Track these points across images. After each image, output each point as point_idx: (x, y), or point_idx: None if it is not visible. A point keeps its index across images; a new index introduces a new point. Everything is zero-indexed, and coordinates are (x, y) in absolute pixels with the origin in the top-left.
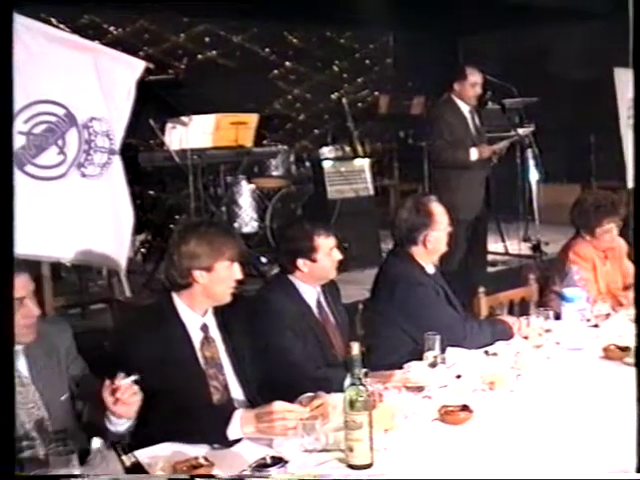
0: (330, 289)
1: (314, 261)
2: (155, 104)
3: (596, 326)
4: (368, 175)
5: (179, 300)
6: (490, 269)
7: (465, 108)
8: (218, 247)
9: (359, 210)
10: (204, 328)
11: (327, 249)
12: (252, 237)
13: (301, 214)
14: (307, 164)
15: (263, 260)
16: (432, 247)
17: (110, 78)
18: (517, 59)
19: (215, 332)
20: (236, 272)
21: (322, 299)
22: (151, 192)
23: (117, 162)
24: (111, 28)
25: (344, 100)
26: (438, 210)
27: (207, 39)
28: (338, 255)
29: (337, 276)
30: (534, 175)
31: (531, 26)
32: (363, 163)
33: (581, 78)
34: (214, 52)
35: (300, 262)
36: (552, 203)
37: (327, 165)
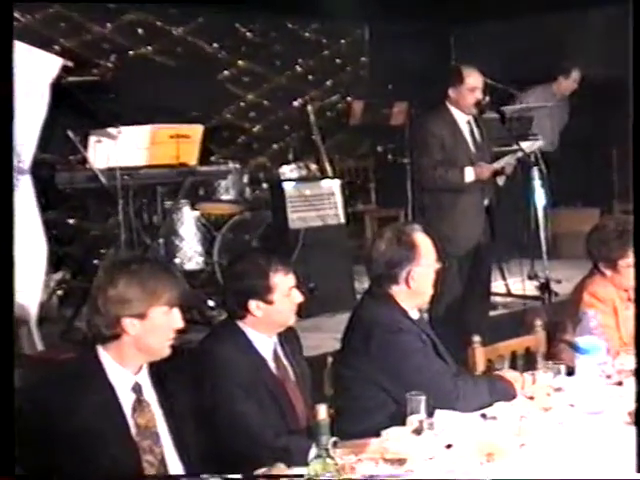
0: (289, 338)
1: (270, 303)
2: (75, 112)
3: (619, 384)
4: (339, 199)
5: (105, 355)
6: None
7: (462, 118)
8: (153, 289)
9: (327, 242)
10: (137, 389)
11: (285, 289)
12: (196, 275)
13: (257, 247)
14: (264, 186)
15: (210, 304)
16: (417, 287)
17: (16, 78)
18: (520, 56)
19: (150, 394)
20: (176, 319)
21: (279, 351)
22: (70, 220)
23: (26, 183)
24: (16, 14)
25: (309, 107)
26: (424, 242)
27: (140, 31)
28: (298, 297)
29: (299, 323)
30: (541, 198)
31: (537, 15)
32: (332, 184)
33: (599, 78)
34: (149, 47)
35: (253, 305)
36: (564, 232)
37: (289, 187)
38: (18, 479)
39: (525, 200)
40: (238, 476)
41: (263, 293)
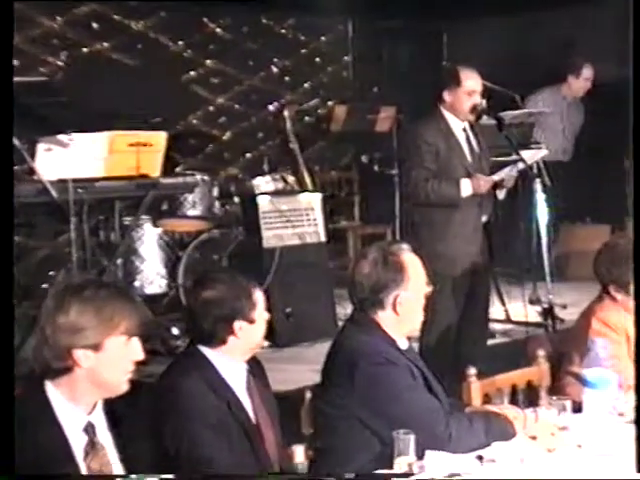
0: (254, 367)
1: (252, 322)
2: (20, 116)
3: (637, 423)
4: (319, 215)
5: (54, 391)
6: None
7: (458, 125)
8: (110, 316)
9: (306, 262)
10: (89, 430)
11: (263, 305)
12: (159, 300)
13: (227, 267)
14: (236, 200)
15: (174, 332)
16: (405, 313)
17: None
18: (523, 55)
19: (105, 435)
20: (135, 350)
21: (252, 380)
22: (16, 238)
23: None
24: None
25: (286, 112)
26: (413, 263)
27: (95, 25)
28: (266, 314)
29: (274, 353)
30: (544, 214)
31: (541, 9)
32: (312, 199)
33: (609, 80)
34: (105, 44)
35: (237, 326)
36: (570, 251)
37: (263, 202)
38: (18, 479)
39: (527, 216)
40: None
41: (247, 312)
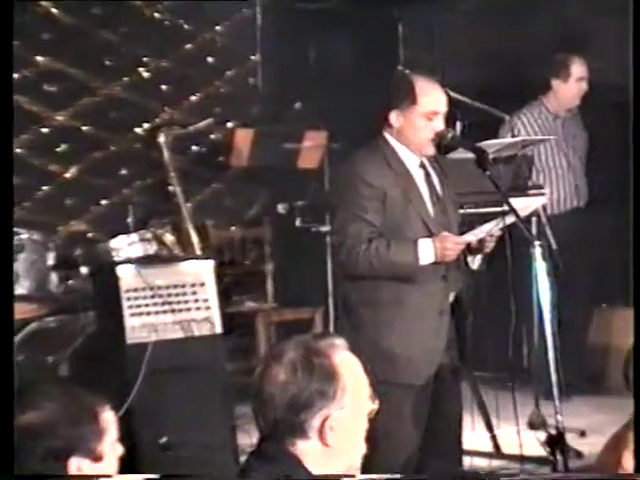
0: None
1: (97, 459)
2: None
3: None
4: (212, 293)
5: None
6: None
7: (412, 160)
8: None
9: (192, 365)
10: None
11: (115, 434)
12: None
13: (69, 375)
14: (83, 271)
15: None
16: (338, 442)
17: None
18: (507, 59)
19: None
20: None
21: None
22: None
23: None
24: None
25: (162, 138)
26: (350, 367)
27: None
28: (120, 448)
29: None
30: (546, 291)
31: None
32: (202, 269)
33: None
34: None
35: (73, 465)
36: (591, 347)
37: (126, 274)
38: (17, 479)
39: (521, 294)
40: None
41: (90, 445)
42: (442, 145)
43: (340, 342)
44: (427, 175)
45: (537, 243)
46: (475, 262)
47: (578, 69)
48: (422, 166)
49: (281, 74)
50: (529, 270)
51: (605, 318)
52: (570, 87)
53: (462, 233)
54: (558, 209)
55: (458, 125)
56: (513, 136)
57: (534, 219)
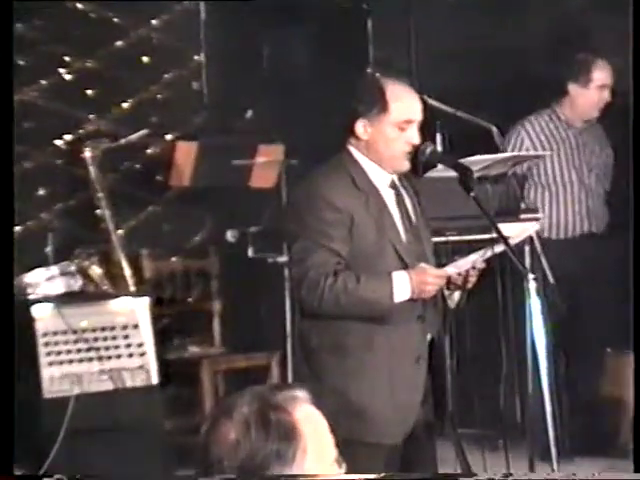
0: None
1: None
2: None
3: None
4: (148, 336)
5: None
6: None
7: (382, 178)
8: None
9: (123, 424)
10: None
11: None
12: None
13: None
14: None
15: None
16: None
17: None
18: (501, 60)
19: None
20: None
21: None
22: None
23: None
24: None
25: (88, 153)
26: (313, 424)
27: None
28: None
29: None
30: (541, 331)
31: None
32: (136, 307)
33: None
34: None
35: None
36: (592, 397)
37: (43, 313)
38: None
39: (512, 335)
40: None
41: None
42: (420, 162)
43: (302, 394)
44: (398, 196)
45: (531, 276)
46: (452, 300)
47: (601, 74)
48: (393, 186)
49: (230, 77)
50: (523, 306)
51: (615, 365)
52: (590, 94)
53: (441, 265)
54: (565, 234)
55: (438, 138)
56: (514, 147)
57: (527, 248)
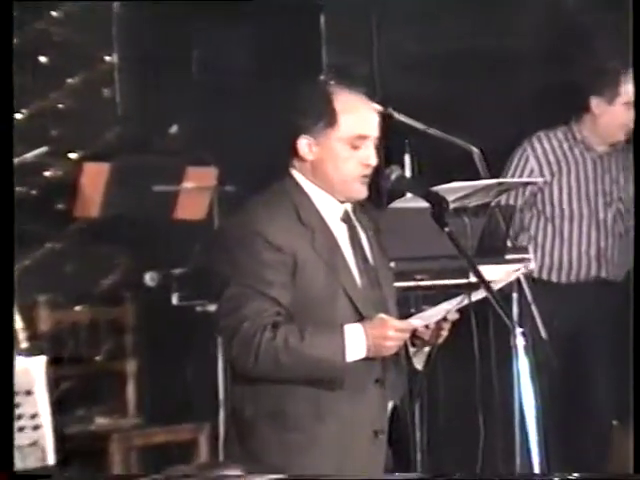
0: None
1: None
2: None
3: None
4: (42, 404)
5: None
6: None
7: (334, 210)
8: None
9: None
10: None
11: None
12: None
13: None
14: None
15: None
16: None
17: None
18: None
19: None
20: None
21: None
22: None
23: None
24: None
25: None
26: None
27: None
28: None
29: None
30: (530, 397)
31: None
32: (28, 368)
33: None
34: None
35: None
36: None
37: None
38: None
39: (497, 400)
40: None
41: None
42: (383, 189)
43: (235, 474)
44: (352, 230)
45: (519, 331)
46: (419, 360)
47: (628, 88)
48: (346, 219)
49: (149, 83)
50: (508, 370)
51: (622, 441)
52: (616, 112)
53: (407, 315)
54: (567, 277)
55: (407, 160)
56: (517, 167)
57: (515, 295)
